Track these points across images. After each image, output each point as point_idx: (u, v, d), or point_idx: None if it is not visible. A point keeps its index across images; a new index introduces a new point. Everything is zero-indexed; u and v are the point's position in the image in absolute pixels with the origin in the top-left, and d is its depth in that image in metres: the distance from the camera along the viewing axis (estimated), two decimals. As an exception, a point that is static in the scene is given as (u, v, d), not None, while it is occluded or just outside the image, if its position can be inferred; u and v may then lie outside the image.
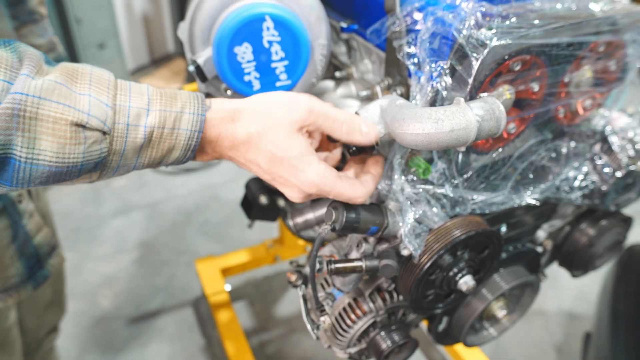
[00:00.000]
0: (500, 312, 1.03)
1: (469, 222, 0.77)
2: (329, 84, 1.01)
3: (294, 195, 0.60)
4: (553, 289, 2.43)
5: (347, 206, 0.65)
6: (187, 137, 0.55)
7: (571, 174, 0.93)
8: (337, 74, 0.99)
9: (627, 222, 1.14)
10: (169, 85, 3.92)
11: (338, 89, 1.01)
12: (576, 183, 0.93)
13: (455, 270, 0.78)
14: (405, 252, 0.72)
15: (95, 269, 2.45)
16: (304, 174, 0.57)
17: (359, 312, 0.87)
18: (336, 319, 0.87)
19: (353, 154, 0.63)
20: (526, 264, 1.06)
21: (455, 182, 0.75)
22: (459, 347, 1.92)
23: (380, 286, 0.86)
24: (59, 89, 0.49)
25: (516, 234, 1.02)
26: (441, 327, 1.02)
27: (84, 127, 0.49)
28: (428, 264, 0.73)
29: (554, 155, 0.88)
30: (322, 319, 0.74)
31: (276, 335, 2.17)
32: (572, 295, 2.39)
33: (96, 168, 0.53)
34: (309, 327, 0.82)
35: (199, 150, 0.59)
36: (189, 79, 3.67)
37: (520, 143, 0.86)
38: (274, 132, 0.56)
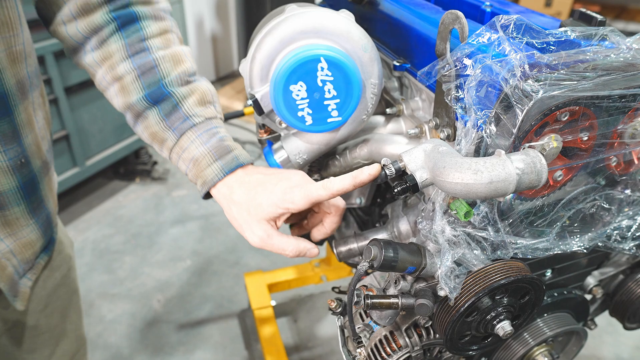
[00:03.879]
0: (542, 358, 1.00)
1: (510, 267, 0.77)
2: (380, 119, 1.04)
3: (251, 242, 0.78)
4: (611, 335, 2.30)
5: (386, 245, 0.67)
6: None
7: (625, 222, 0.90)
8: (388, 110, 1.02)
9: (688, 274, 1.08)
10: (231, 101, 4.09)
11: (388, 124, 1.04)
12: (629, 233, 0.90)
13: (493, 314, 0.78)
14: (442, 293, 0.73)
15: (151, 274, 2.59)
16: (248, 237, 0.78)
17: (394, 345, 0.88)
18: (372, 351, 0.89)
19: (397, 195, 0.65)
20: (573, 310, 1.03)
21: (498, 226, 0.76)
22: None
23: (418, 322, 0.87)
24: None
25: (562, 279, 1.00)
26: (479, 368, 1.01)
27: None
28: (464, 307, 0.74)
29: (605, 204, 0.86)
30: (358, 350, 0.76)
31: (316, 354, 2.19)
32: (632, 344, 2.25)
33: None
34: (344, 358, 0.84)
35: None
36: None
37: (570, 188, 0.85)
38: (251, 215, 0.77)
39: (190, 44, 4.12)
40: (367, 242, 1.04)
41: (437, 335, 0.89)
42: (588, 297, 1.08)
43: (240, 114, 2.10)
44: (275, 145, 0.97)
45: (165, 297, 2.45)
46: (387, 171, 0.68)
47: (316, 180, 1.09)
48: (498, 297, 0.78)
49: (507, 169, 0.57)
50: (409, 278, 0.76)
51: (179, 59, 0.83)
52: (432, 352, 0.92)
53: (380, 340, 0.88)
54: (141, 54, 0.80)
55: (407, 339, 0.87)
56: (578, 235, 0.87)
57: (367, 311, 0.82)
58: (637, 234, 0.91)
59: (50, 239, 0.95)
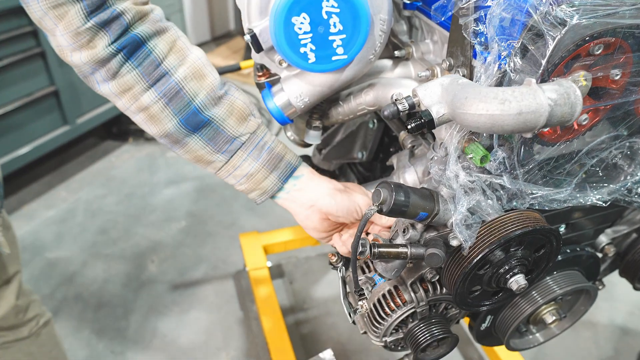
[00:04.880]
0: (549, 317, 0.97)
1: (527, 217, 0.72)
2: (387, 63, 0.97)
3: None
4: (606, 301, 2.29)
5: (397, 187, 0.62)
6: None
7: (646, 176, 0.85)
8: (397, 52, 0.94)
9: None
10: (226, 61, 3.97)
11: (396, 68, 0.96)
12: (651, 187, 0.85)
13: (506, 267, 0.73)
14: (454, 243, 0.68)
15: (145, 234, 2.54)
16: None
17: (398, 300, 0.83)
18: (374, 306, 0.84)
19: (411, 131, 0.59)
20: (584, 269, 0.98)
21: (516, 173, 0.70)
22: (499, 349, 1.85)
23: (424, 276, 0.82)
24: None
25: (576, 236, 0.95)
26: (484, 325, 0.97)
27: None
28: (477, 258, 0.69)
29: (628, 153, 0.80)
30: (360, 303, 0.72)
31: (312, 315, 2.17)
32: (626, 310, 2.25)
33: None
34: (346, 310, 0.80)
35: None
36: (247, 56, 3.70)
37: (590, 139, 0.79)
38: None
39: (185, 2, 3.96)
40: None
41: (444, 291, 0.84)
42: (599, 255, 1.04)
43: (236, 68, 2.02)
44: (275, 88, 0.90)
45: (159, 258, 2.41)
46: (400, 106, 0.61)
47: (317, 127, 1.03)
48: (513, 249, 0.73)
49: (538, 99, 0.51)
50: (419, 226, 0.71)
51: (200, 73, 0.79)
52: (437, 309, 0.88)
53: (383, 295, 0.84)
54: (162, 80, 0.76)
55: (412, 294, 0.82)
56: (597, 188, 0.81)
57: (373, 262, 0.77)
58: (659, 188, 0.86)
59: None
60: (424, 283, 0.84)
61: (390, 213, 0.62)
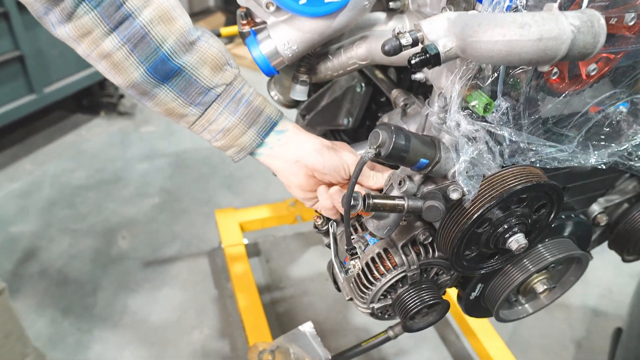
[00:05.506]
0: (540, 286, 0.93)
1: (529, 172, 0.68)
2: (380, 15, 0.91)
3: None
4: (580, 284, 2.30)
5: (398, 130, 0.56)
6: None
7: (647, 139, 0.82)
8: (392, 4, 0.88)
9: (695, 206, 1.02)
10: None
11: (390, 21, 0.90)
12: (651, 150, 0.82)
13: (505, 226, 0.69)
14: (454, 196, 0.63)
15: (117, 210, 2.43)
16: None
17: (388, 264, 0.78)
18: (362, 270, 0.79)
19: (414, 67, 0.54)
20: (576, 238, 0.96)
21: (521, 123, 0.65)
22: (476, 326, 1.83)
23: (416, 238, 0.77)
24: None
25: (571, 202, 0.92)
26: (474, 294, 0.94)
27: None
28: (478, 213, 0.64)
29: (633, 109, 0.76)
30: (351, 262, 0.66)
31: (288, 294, 2.12)
32: (598, 292, 2.28)
33: None
34: (337, 269, 0.74)
35: None
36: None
37: (590, 99, 0.75)
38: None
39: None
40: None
41: (437, 254, 0.80)
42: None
43: (216, 34, 1.92)
44: (261, 35, 0.83)
45: (131, 234, 2.31)
46: (403, 40, 0.56)
47: (304, 82, 0.96)
48: (513, 207, 0.68)
49: (560, 24, 0.46)
50: (417, 178, 0.65)
51: (168, 16, 0.70)
52: (428, 274, 0.83)
53: (372, 258, 0.79)
54: (125, 23, 0.68)
55: (403, 257, 0.77)
56: (599, 148, 0.78)
57: (363, 222, 0.72)
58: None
59: None
60: (415, 246, 0.80)
61: (388, 158, 0.57)
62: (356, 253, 0.70)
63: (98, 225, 2.34)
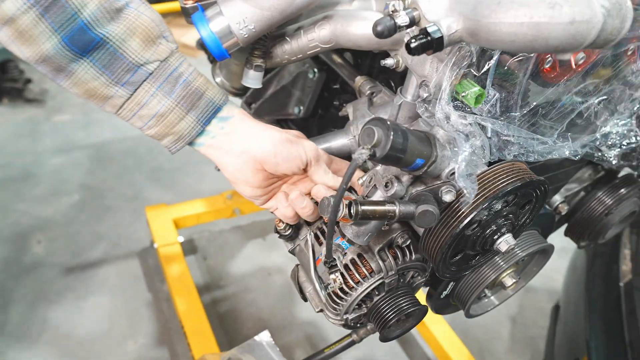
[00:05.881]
0: (509, 280, 0.91)
1: (519, 168, 0.63)
2: (343, -7, 0.82)
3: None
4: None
5: (394, 127, 0.48)
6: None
7: (615, 129, 0.81)
8: (355, -19, 0.80)
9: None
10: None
11: (354, 1, 0.82)
12: (618, 139, 0.81)
13: (494, 227, 0.64)
14: (447, 198, 0.56)
15: (28, 211, 2.16)
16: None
17: (364, 271, 0.71)
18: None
19: (414, 52, 0.45)
20: (540, 228, 0.94)
21: (513, 116, 0.60)
22: (431, 324, 1.84)
23: (393, 241, 0.70)
24: None
25: (539, 194, 0.90)
26: (445, 293, 0.89)
27: None
28: (471, 216, 0.58)
29: (606, 100, 0.74)
30: (332, 277, 0.58)
31: (230, 292, 2.01)
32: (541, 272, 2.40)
33: None
34: (316, 285, 0.66)
35: None
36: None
37: (563, 89, 0.72)
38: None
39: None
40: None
41: (414, 257, 0.73)
42: (552, 215, 1.00)
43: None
44: (210, 11, 0.71)
45: (47, 238, 2.06)
46: (399, 20, 0.47)
47: (258, 67, 0.85)
48: (503, 206, 0.63)
49: (592, 5, 0.40)
50: (405, 179, 0.58)
51: None
52: (405, 277, 0.77)
53: (346, 266, 0.71)
54: None
55: (380, 262, 0.70)
56: (574, 139, 0.75)
57: (340, 227, 0.63)
58: (625, 142, 0.82)
59: None
60: (392, 249, 0.73)
61: (384, 159, 0.48)
62: (335, 265, 0.62)
63: (6, 230, 2.06)
